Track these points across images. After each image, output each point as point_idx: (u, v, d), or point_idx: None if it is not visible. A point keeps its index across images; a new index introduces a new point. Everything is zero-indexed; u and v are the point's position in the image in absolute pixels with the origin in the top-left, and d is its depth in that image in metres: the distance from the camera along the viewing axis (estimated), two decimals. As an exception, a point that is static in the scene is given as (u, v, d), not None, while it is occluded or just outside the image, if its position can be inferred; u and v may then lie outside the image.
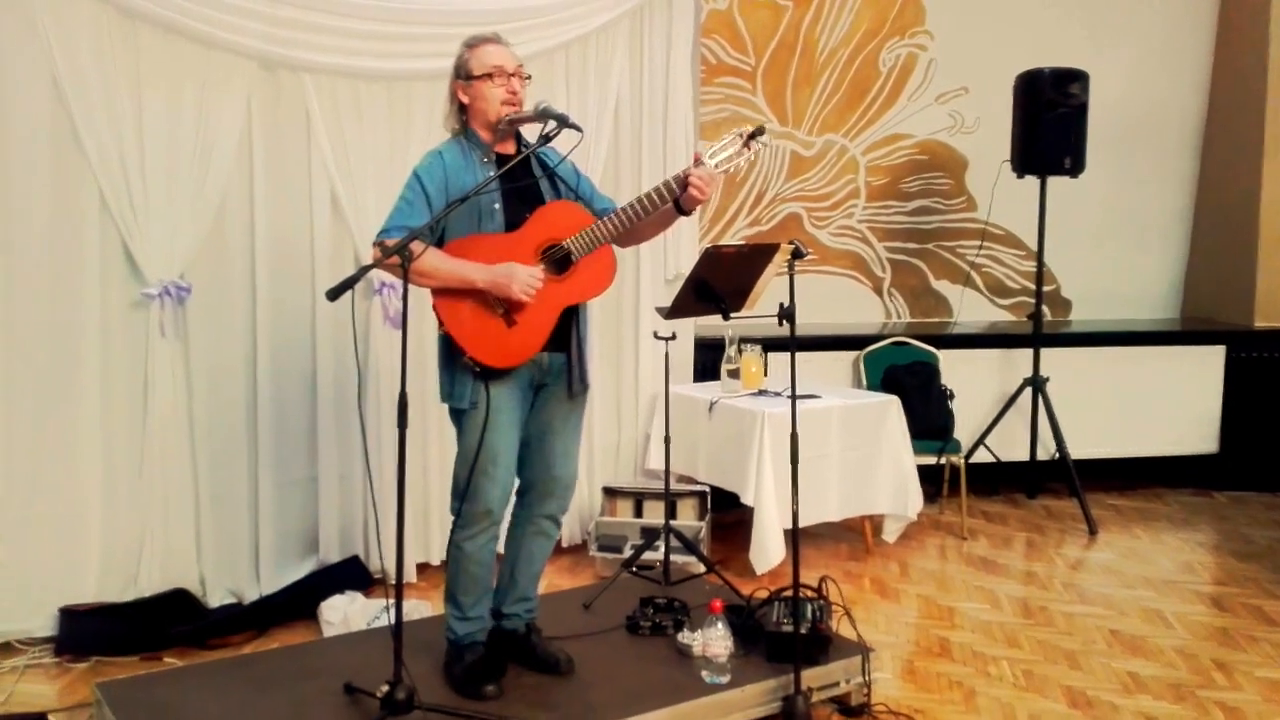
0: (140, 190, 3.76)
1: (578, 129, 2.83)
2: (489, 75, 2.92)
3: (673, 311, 3.05)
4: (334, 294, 2.59)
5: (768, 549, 4.31)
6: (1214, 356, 5.99)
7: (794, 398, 3.10)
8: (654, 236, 3.20)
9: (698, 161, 2.92)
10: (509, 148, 3.01)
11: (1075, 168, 5.41)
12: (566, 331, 2.99)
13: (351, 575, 4.12)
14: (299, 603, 3.93)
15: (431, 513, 4.40)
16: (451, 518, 3.03)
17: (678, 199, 2.92)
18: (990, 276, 6.52)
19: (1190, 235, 6.71)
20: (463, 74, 2.97)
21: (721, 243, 2.97)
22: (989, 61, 6.14)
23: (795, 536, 3.12)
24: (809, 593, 3.30)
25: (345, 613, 3.73)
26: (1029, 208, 5.84)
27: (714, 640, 3.04)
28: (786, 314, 2.95)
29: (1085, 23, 6.25)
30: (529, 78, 3.00)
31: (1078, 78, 5.38)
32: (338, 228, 4.17)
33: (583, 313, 3.05)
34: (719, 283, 2.95)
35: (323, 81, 4.07)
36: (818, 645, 3.15)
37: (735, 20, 5.99)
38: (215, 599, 3.92)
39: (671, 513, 4.29)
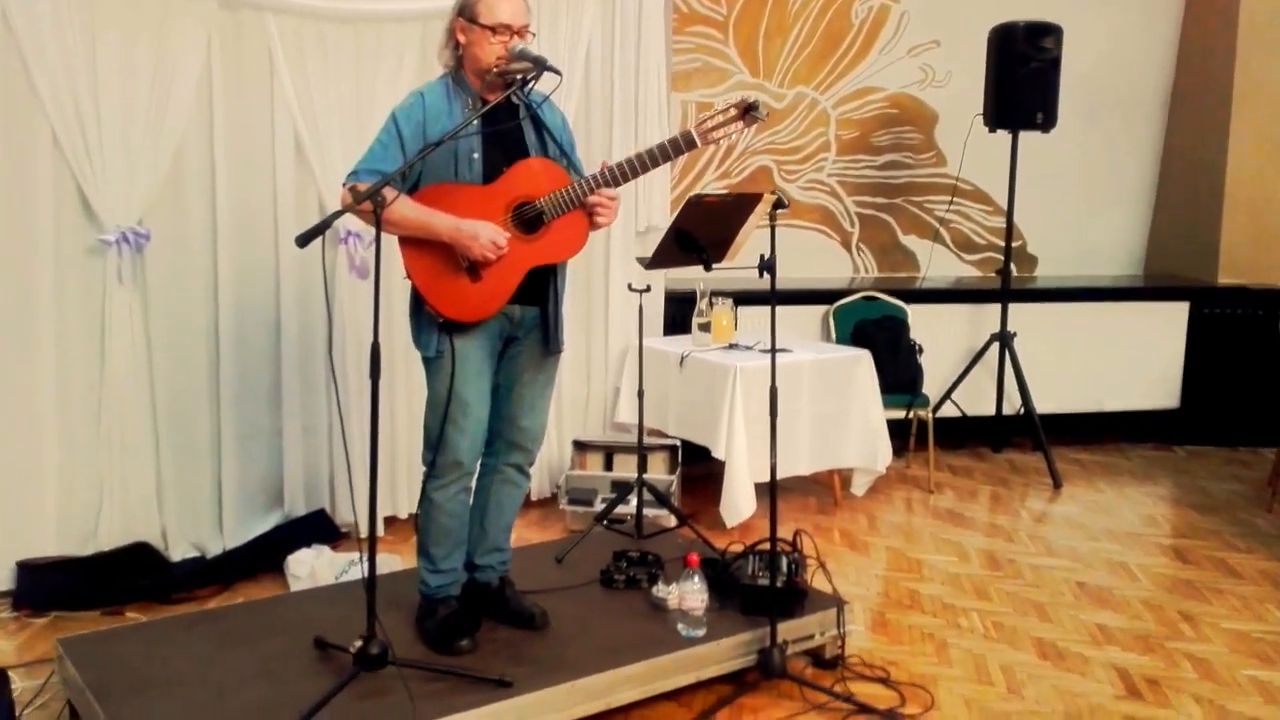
0: (95, 133, 3.62)
1: (556, 72, 2.74)
2: (493, 29, 2.80)
3: (654, 261, 2.99)
4: (303, 240, 2.50)
5: (738, 502, 4.30)
6: (1177, 312, 6.04)
7: (774, 351, 3.07)
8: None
9: (603, 169, 2.82)
10: (496, 96, 2.90)
11: (1047, 122, 5.38)
12: (542, 287, 2.92)
13: (318, 528, 4.06)
14: (264, 556, 3.87)
15: (399, 465, 4.33)
16: (423, 469, 2.98)
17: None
18: (957, 232, 6.50)
19: (1156, 192, 6.73)
20: (467, 14, 2.84)
21: (703, 191, 2.88)
22: (961, 15, 6.08)
23: (773, 490, 3.10)
24: (784, 546, 3.29)
25: (312, 566, 3.67)
26: (997, 163, 5.82)
27: (690, 594, 3.02)
28: (767, 266, 2.90)
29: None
30: (534, 35, 2.89)
31: (1052, 31, 5.34)
32: (301, 173, 4.05)
33: (561, 271, 2.98)
34: (701, 233, 2.89)
35: (286, 22, 3.94)
36: (793, 598, 3.14)
37: (707, -32, 5.88)
38: (178, 553, 3.83)
39: (643, 466, 4.25)
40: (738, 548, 3.43)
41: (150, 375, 3.80)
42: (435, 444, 2.90)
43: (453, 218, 2.75)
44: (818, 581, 3.31)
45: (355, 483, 3.95)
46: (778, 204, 2.90)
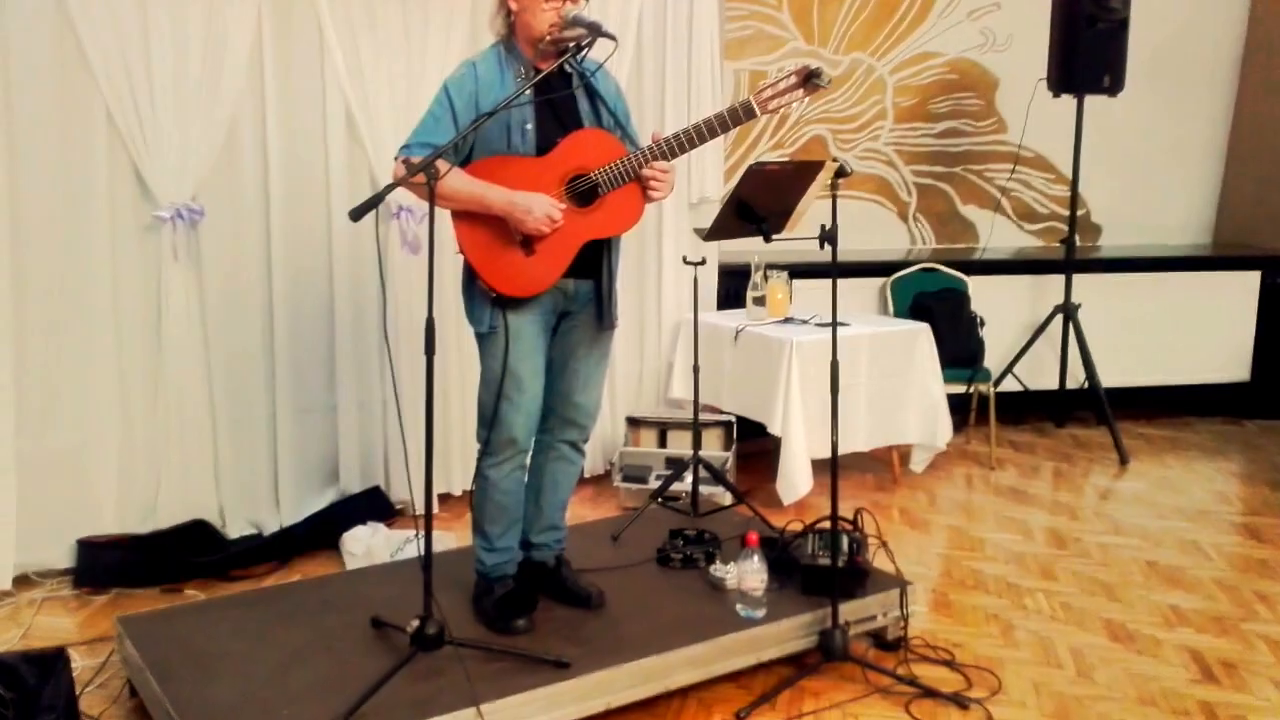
0: (149, 108, 3.61)
1: (611, 37, 2.67)
2: None
3: (712, 233, 2.91)
4: (357, 214, 2.46)
5: (795, 480, 4.22)
6: (1249, 282, 5.84)
7: (834, 325, 2.98)
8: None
9: (655, 141, 2.73)
10: (550, 64, 2.84)
11: (1114, 86, 5.20)
12: (596, 261, 2.86)
13: (373, 506, 4.05)
14: (320, 534, 3.87)
15: (452, 442, 4.31)
16: (477, 446, 2.95)
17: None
18: (1018, 201, 6.34)
19: (1226, 158, 6.50)
20: None
21: (764, 159, 2.79)
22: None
23: (834, 469, 3.02)
24: (844, 525, 3.21)
25: (368, 544, 3.67)
26: (1060, 130, 5.64)
27: (749, 574, 2.96)
28: (828, 237, 2.81)
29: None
30: (587, 0, 2.82)
31: (1119, -9, 5.15)
32: (353, 147, 4.02)
33: (615, 244, 2.92)
34: (761, 202, 2.81)
35: (335, -4, 3.89)
36: (854, 579, 3.07)
37: (761, -67, 5.75)
38: (235, 530, 3.85)
39: (698, 443, 4.19)
40: (796, 526, 3.36)
41: (206, 352, 3.81)
42: (490, 421, 2.86)
43: (506, 190, 2.70)
44: (879, 561, 3.24)
45: (410, 460, 3.98)
46: (839, 172, 2.81)
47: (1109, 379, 5.39)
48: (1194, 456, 5.27)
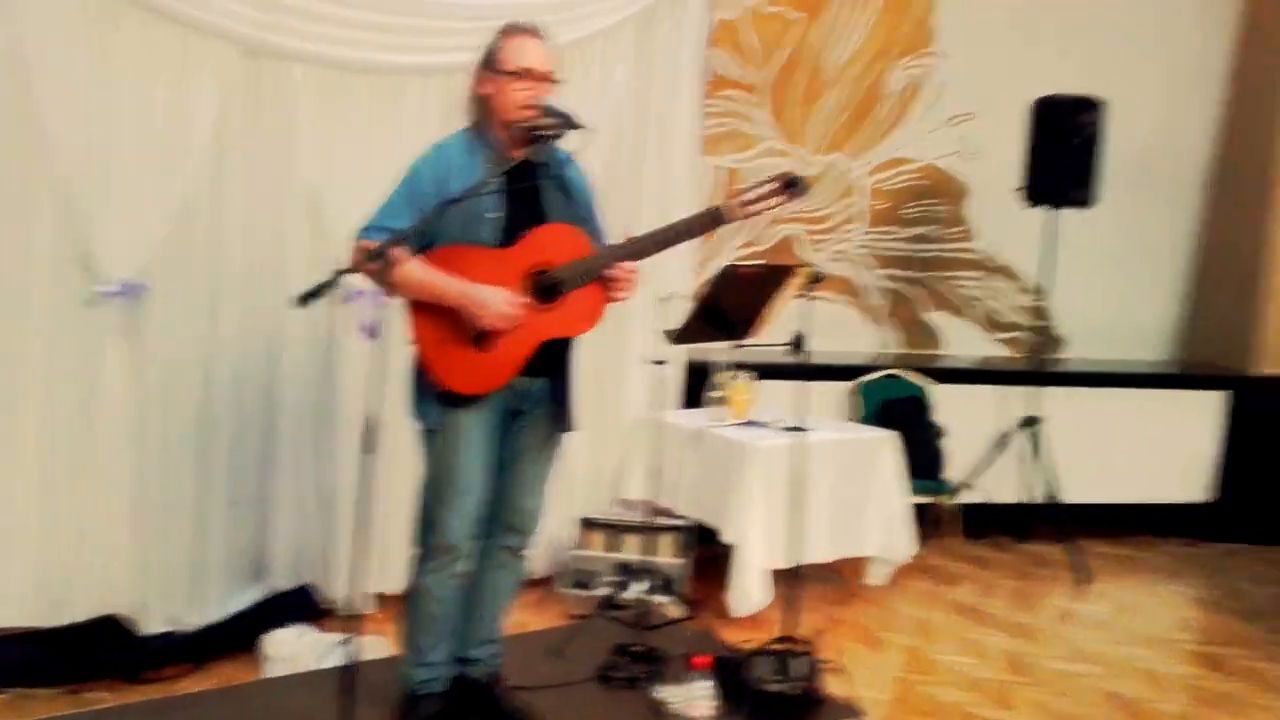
0: (102, 178, 3.47)
1: (582, 128, 2.59)
2: (517, 75, 2.66)
3: (681, 336, 2.80)
4: (304, 300, 2.35)
5: (749, 591, 4.07)
6: (1213, 402, 5.82)
7: (801, 431, 2.85)
8: None
9: (629, 241, 2.67)
10: (524, 152, 2.75)
11: (1088, 199, 5.22)
12: (553, 359, 2.75)
13: (301, 605, 3.84)
14: (243, 633, 3.64)
15: (391, 538, 4.09)
16: (413, 550, 2.79)
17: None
18: (985, 309, 6.31)
19: (1192, 276, 6.53)
20: (491, 64, 2.70)
21: (737, 261, 2.71)
22: (997, 87, 5.95)
23: (795, 585, 2.87)
24: (800, 646, 3.06)
25: (294, 649, 3.45)
26: (1026, 239, 5.67)
27: (697, 699, 2.80)
28: (798, 343, 2.71)
29: (1096, 54, 6.04)
30: (558, 83, 2.74)
31: (1095, 106, 5.20)
32: (314, 230, 3.89)
33: (574, 342, 2.81)
34: (732, 306, 2.71)
35: (310, 72, 3.80)
36: (808, 707, 2.91)
37: (742, 32, 5.76)
38: (152, 625, 3.59)
39: (650, 548, 4.04)
40: (749, 644, 3.20)
41: (138, 434, 3.62)
42: (427, 525, 2.71)
43: (463, 282, 2.59)
44: (835, 685, 3.08)
45: (342, 557, 3.81)
46: (814, 278, 2.72)
47: (1070, 494, 5.31)
48: (1155, 579, 5.18)
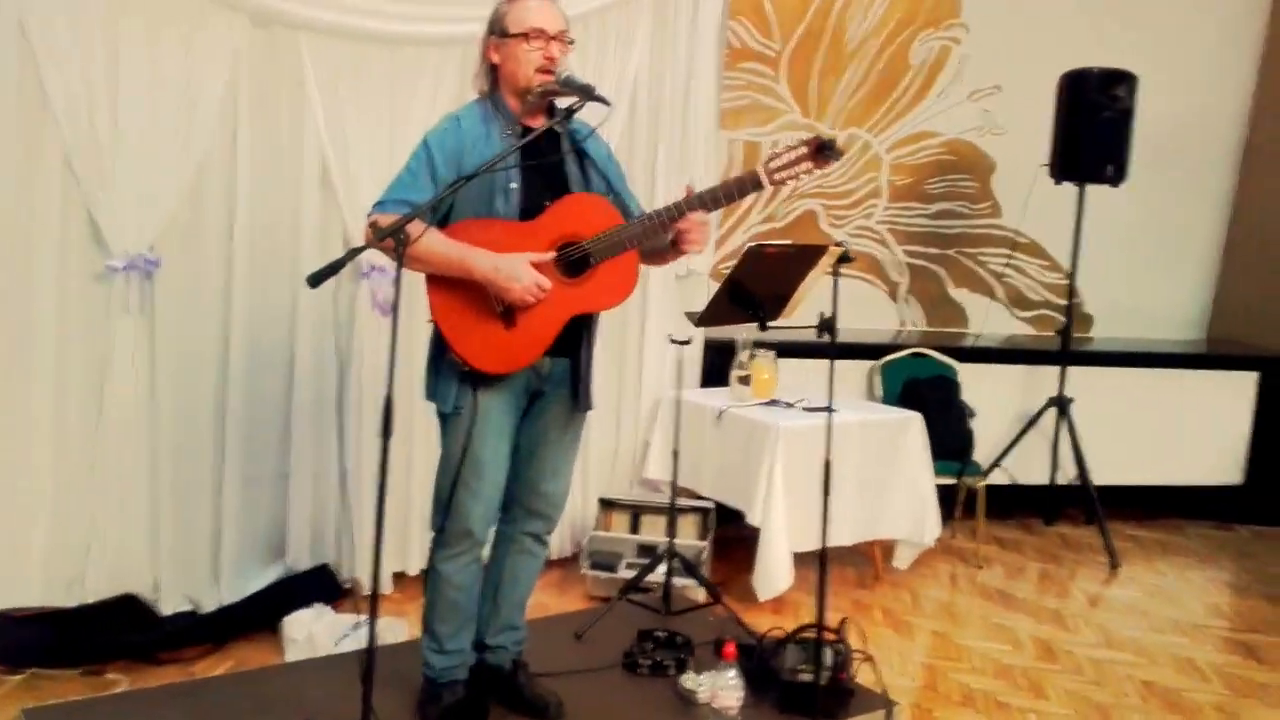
0: (110, 151, 3.38)
1: (604, 102, 2.48)
2: (525, 35, 2.55)
3: (705, 318, 2.70)
4: (316, 280, 2.24)
5: (774, 574, 3.99)
6: (1245, 382, 5.69)
7: (830, 412, 2.75)
8: (658, 264, 2.82)
9: (689, 196, 2.54)
10: (539, 121, 2.64)
11: (1117, 176, 5.08)
12: (574, 338, 2.64)
13: (320, 585, 3.77)
14: (261, 613, 3.59)
15: (412, 517, 4.05)
16: (430, 534, 2.71)
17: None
18: (1010, 287, 6.19)
19: (1222, 254, 6.39)
20: (497, 29, 2.60)
21: (765, 241, 2.60)
22: (1023, 60, 5.81)
23: (823, 577, 2.77)
24: (828, 635, 2.97)
25: (311, 630, 3.39)
26: (1055, 216, 5.55)
27: (725, 689, 2.72)
28: (827, 325, 2.61)
29: (1125, 27, 5.88)
30: (572, 43, 2.64)
31: (1125, 80, 5.05)
32: (327, 204, 3.81)
33: (595, 320, 2.71)
34: (758, 287, 2.61)
35: (321, 42, 3.69)
36: (837, 698, 2.83)
37: (763, 3, 5.62)
38: (169, 606, 3.54)
39: (674, 531, 3.95)
40: (776, 631, 3.11)
41: (152, 411, 3.55)
42: (445, 509, 2.62)
43: (491, 254, 2.48)
44: (863, 675, 3.00)
45: (358, 537, 3.73)
46: (843, 257, 2.61)
47: (1099, 476, 5.19)
48: (1186, 563, 5.07)
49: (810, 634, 2.97)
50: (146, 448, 3.53)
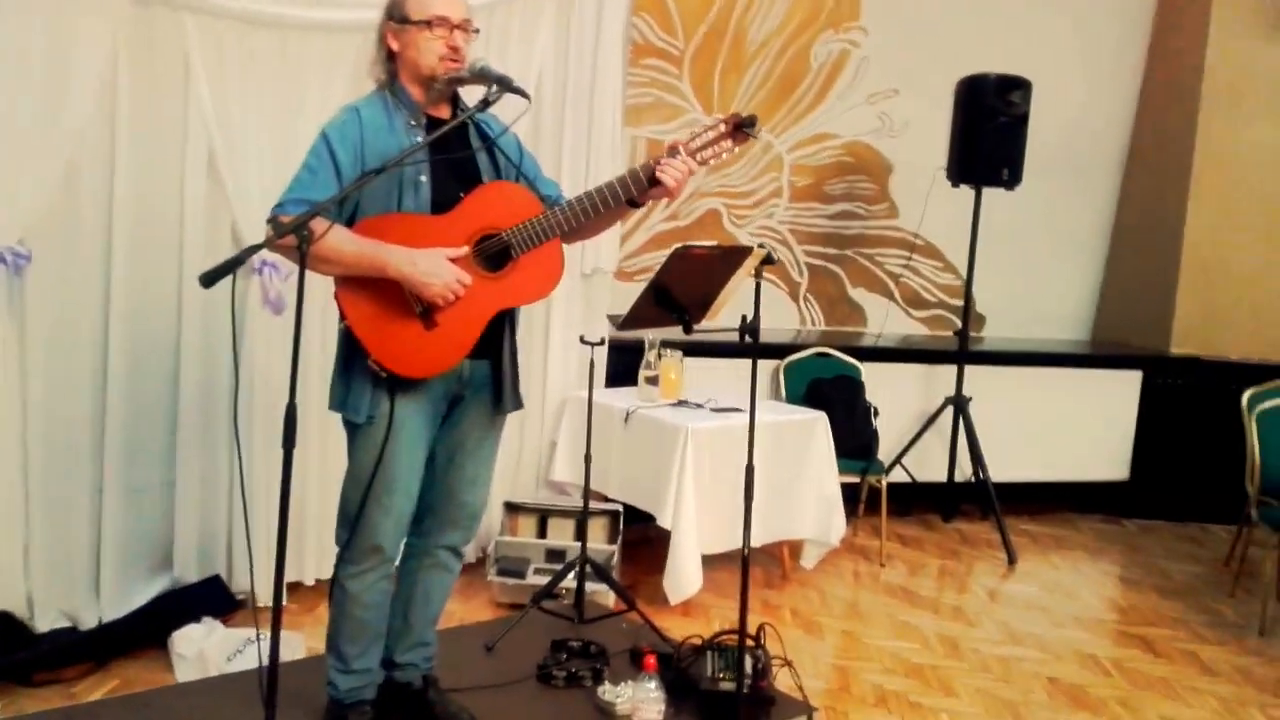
0: (-29, 136, 3.12)
1: (524, 94, 2.37)
2: (427, 24, 2.42)
3: (628, 322, 2.61)
4: (209, 279, 2.07)
5: (684, 578, 3.92)
6: (1130, 381, 5.86)
7: (752, 417, 2.70)
8: (599, 233, 2.75)
9: (672, 150, 2.48)
10: (444, 112, 2.53)
11: (1013, 179, 5.17)
12: (495, 336, 2.53)
13: (210, 598, 3.56)
14: (147, 629, 3.37)
15: (307, 525, 3.87)
16: (335, 549, 2.56)
17: (634, 194, 2.48)
18: (906, 287, 6.27)
19: (1107, 257, 6.58)
20: (396, 15, 2.47)
21: (690, 242, 2.52)
22: (921, 64, 5.89)
23: (744, 581, 2.71)
24: (746, 639, 2.91)
25: (201, 647, 3.19)
26: (949, 218, 5.66)
27: (646, 702, 2.64)
28: (750, 329, 2.55)
29: (1017, 32, 6.00)
30: (476, 32, 2.52)
31: (1021, 86, 5.15)
32: (214, 193, 3.59)
33: (515, 316, 2.60)
34: (682, 290, 2.53)
35: (206, 23, 3.48)
36: (759, 705, 2.77)
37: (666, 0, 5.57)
38: (45, 622, 3.28)
39: (582, 535, 3.85)
40: (695, 640, 3.05)
41: (24, 417, 3.27)
42: (353, 523, 2.47)
43: (407, 250, 2.35)
44: (781, 678, 2.95)
45: (255, 546, 3.52)
46: (766, 259, 2.56)
47: (993, 473, 5.27)
48: (1079, 557, 5.19)
49: (727, 640, 2.92)
50: (17, 455, 3.25)
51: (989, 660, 3.82)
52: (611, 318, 2.85)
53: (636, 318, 2.56)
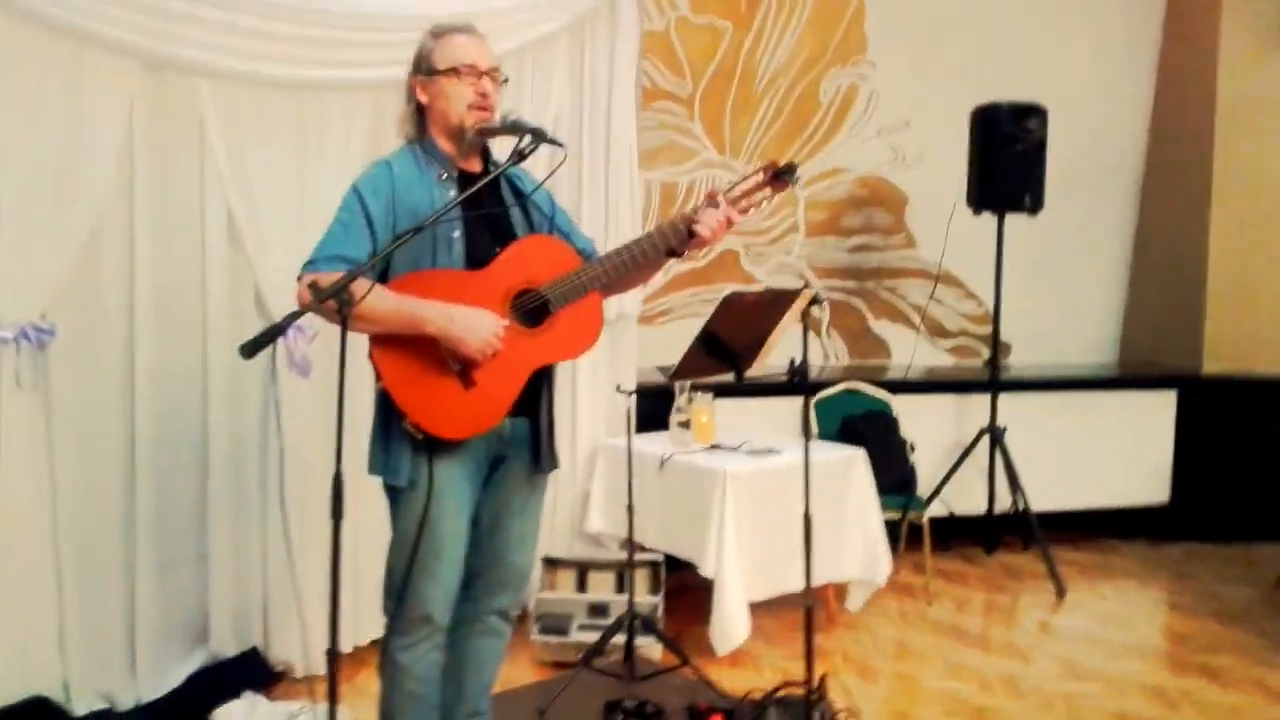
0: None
1: (559, 144, 2.32)
2: (455, 71, 2.38)
3: (680, 372, 2.54)
4: (250, 349, 2.00)
5: (731, 627, 3.80)
6: (1165, 401, 5.76)
7: (806, 461, 2.62)
8: (637, 286, 2.69)
9: (711, 199, 2.42)
10: (474, 164, 2.48)
11: (1035, 205, 5.13)
12: (535, 393, 2.45)
13: (249, 672, 3.46)
14: (187, 707, 3.27)
15: (343, 590, 3.75)
16: (383, 620, 2.47)
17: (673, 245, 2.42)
18: (928, 317, 6.19)
19: (1129, 278, 6.51)
20: (424, 68, 2.42)
21: (739, 289, 2.47)
22: (931, 95, 5.86)
23: (809, 631, 2.61)
24: (797, 690, 2.81)
25: (245, 724, 3.09)
26: (968, 246, 5.59)
27: (713, 763, 2.53)
28: (799, 371, 2.48)
29: (1026, 57, 5.98)
30: (505, 80, 2.47)
31: (1036, 113, 5.11)
32: (236, 259, 3.54)
33: (552, 373, 2.52)
34: (733, 336, 2.46)
35: (221, 88, 3.44)
36: (830, 760, 2.66)
37: (672, 42, 5.55)
38: (82, 706, 3.19)
39: (622, 586, 3.75)
40: (750, 689, 2.94)
41: (53, 495, 3.19)
42: (400, 593, 2.39)
43: (444, 305, 2.28)
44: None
45: (295, 615, 3.44)
46: (814, 300, 2.49)
47: (1031, 502, 5.16)
48: (1128, 585, 5.07)
49: (788, 691, 2.81)
50: (48, 535, 3.18)
51: (1052, 698, 3.69)
52: (663, 369, 2.78)
53: (688, 367, 2.49)
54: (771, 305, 2.53)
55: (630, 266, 2.39)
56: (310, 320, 3.28)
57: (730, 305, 2.43)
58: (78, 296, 3.24)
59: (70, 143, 3.17)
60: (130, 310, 3.34)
